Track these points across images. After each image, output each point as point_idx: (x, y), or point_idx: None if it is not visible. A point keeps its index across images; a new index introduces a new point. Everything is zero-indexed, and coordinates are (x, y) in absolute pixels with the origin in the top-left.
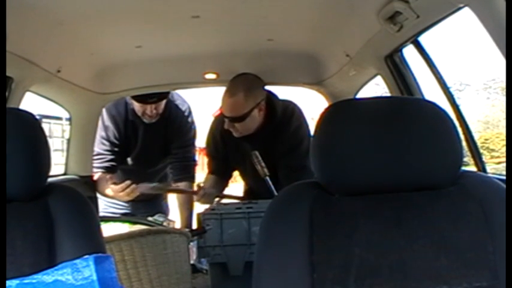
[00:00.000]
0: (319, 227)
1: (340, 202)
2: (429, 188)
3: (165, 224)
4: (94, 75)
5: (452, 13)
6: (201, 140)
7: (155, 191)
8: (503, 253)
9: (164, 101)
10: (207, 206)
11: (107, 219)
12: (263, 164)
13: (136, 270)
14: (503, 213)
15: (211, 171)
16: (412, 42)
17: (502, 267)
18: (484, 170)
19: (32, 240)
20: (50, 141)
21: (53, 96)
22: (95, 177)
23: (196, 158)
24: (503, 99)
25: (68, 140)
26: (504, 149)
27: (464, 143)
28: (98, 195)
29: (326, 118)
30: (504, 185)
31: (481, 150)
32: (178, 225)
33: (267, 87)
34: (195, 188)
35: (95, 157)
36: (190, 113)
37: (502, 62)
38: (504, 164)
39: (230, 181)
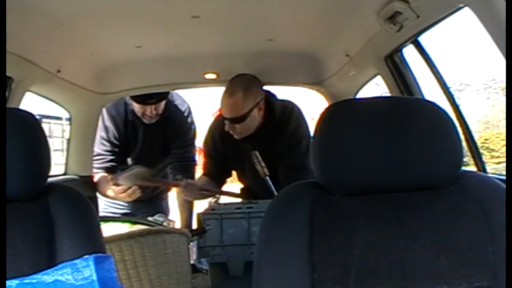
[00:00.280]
0: (319, 227)
1: (340, 202)
2: (429, 188)
3: (165, 224)
4: (94, 75)
5: (452, 13)
6: (201, 140)
7: (134, 181)
8: (503, 253)
9: (164, 102)
10: (206, 206)
11: (107, 219)
12: (263, 164)
13: (136, 270)
14: (503, 213)
15: (206, 172)
16: (412, 42)
17: (502, 267)
18: (484, 170)
19: (32, 240)
20: (50, 141)
21: (53, 96)
22: (96, 178)
23: (196, 158)
24: (503, 99)
25: (68, 140)
26: (504, 149)
27: (464, 143)
28: (98, 195)
29: (326, 118)
30: (504, 185)
31: (481, 150)
32: (178, 225)
33: (266, 87)
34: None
35: (95, 158)
36: (190, 113)
37: (502, 62)
38: (504, 164)
39: (229, 180)
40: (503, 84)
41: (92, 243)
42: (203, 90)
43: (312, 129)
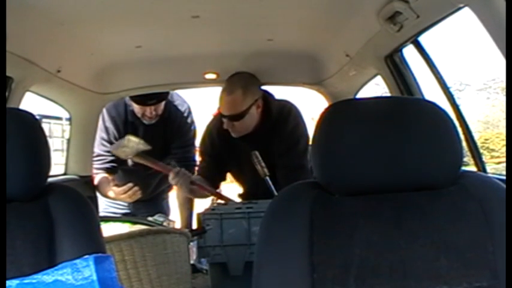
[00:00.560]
0: (319, 227)
1: (340, 202)
2: (429, 188)
3: (165, 224)
4: (94, 75)
5: (452, 13)
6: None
7: (130, 154)
8: (503, 253)
9: (163, 102)
10: (206, 206)
11: (107, 219)
12: (263, 164)
13: (136, 270)
14: (503, 213)
15: (200, 172)
16: (412, 42)
17: (502, 267)
18: (484, 170)
19: (32, 240)
20: (50, 141)
21: (53, 96)
22: (96, 178)
23: (196, 158)
24: (503, 99)
25: (68, 140)
26: (504, 149)
27: (464, 143)
28: (98, 195)
29: (326, 118)
30: (504, 185)
31: (481, 150)
32: (178, 225)
33: (264, 87)
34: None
35: (96, 158)
36: (190, 113)
37: (502, 62)
38: (504, 164)
39: (230, 180)
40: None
41: (92, 243)
42: (203, 90)
43: (310, 129)
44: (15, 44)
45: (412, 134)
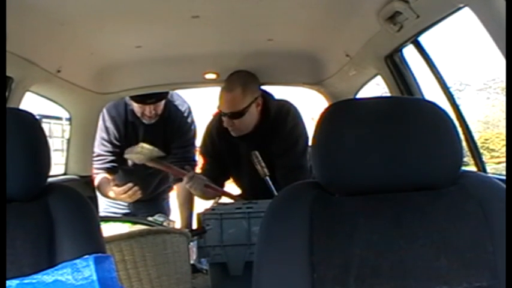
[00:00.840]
0: (319, 227)
1: (340, 202)
2: (429, 188)
3: (165, 224)
4: (94, 75)
5: (452, 13)
6: (200, 140)
7: (144, 160)
8: (503, 253)
9: (163, 102)
10: (206, 206)
11: (107, 219)
12: (263, 164)
13: (136, 270)
14: (503, 213)
15: (204, 173)
16: (412, 42)
17: (502, 267)
18: (484, 170)
19: (32, 240)
20: (50, 141)
21: (53, 96)
22: (96, 179)
23: (196, 158)
24: (503, 99)
25: (68, 140)
26: (504, 149)
27: (464, 143)
28: (98, 195)
29: (326, 118)
30: (504, 185)
31: (481, 150)
32: (178, 225)
33: (263, 87)
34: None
35: (96, 158)
36: (190, 113)
37: (502, 62)
38: (504, 164)
39: (230, 180)
40: (503, 84)
41: (92, 243)
42: (203, 90)
43: (310, 129)
44: (15, 44)
45: (412, 134)
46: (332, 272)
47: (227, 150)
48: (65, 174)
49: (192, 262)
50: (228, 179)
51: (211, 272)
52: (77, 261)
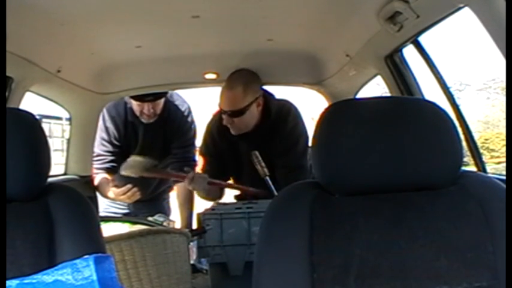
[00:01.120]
0: (319, 227)
1: (340, 202)
2: (429, 188)
3: (165, 224)
4: (94, 75)
5: (452, 13)
6: (200, 140)
7: (139, 172)
8: (503, 253)
9: (162, 100)
10: (206, 206)
11: (107, 219)
12: (263, 164)
13: (136, 270)
14: (503, 213)
15: (205, 173)
16: (412, 42)
17: (502, 267)
18: (484, 170)
19: (32, 240)
20: (50, 141)
21: (53, 96)
22: (96, 179)
23: (196, 158)
24: (503, 99)
25: (68, 140)
26: (504, 149)
27: (464, 143)
28: (98, 195)
29: (326, 118)
30: (504, 185)
31: (481, 150)
32: (178, 225)
33: (263, 87)
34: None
35: (96, 158)
36: (190, 113)
37: (502, 62)
38: (504, 164)
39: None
40: (503, 84)
41: (92, 243)
42: (203, 90)
43: (310, 129)
44: (15, 44)
45: (412, 134)
46: (332, 272)
47: (227, 150)
48: (65, 174)
49: (192, 262)
50: (228, 179)
51: (211, 272)
52: (77, 261)
